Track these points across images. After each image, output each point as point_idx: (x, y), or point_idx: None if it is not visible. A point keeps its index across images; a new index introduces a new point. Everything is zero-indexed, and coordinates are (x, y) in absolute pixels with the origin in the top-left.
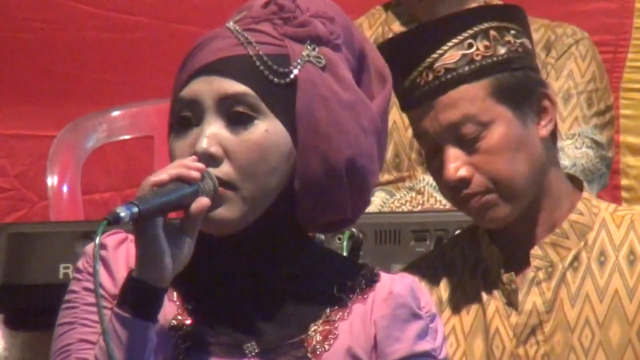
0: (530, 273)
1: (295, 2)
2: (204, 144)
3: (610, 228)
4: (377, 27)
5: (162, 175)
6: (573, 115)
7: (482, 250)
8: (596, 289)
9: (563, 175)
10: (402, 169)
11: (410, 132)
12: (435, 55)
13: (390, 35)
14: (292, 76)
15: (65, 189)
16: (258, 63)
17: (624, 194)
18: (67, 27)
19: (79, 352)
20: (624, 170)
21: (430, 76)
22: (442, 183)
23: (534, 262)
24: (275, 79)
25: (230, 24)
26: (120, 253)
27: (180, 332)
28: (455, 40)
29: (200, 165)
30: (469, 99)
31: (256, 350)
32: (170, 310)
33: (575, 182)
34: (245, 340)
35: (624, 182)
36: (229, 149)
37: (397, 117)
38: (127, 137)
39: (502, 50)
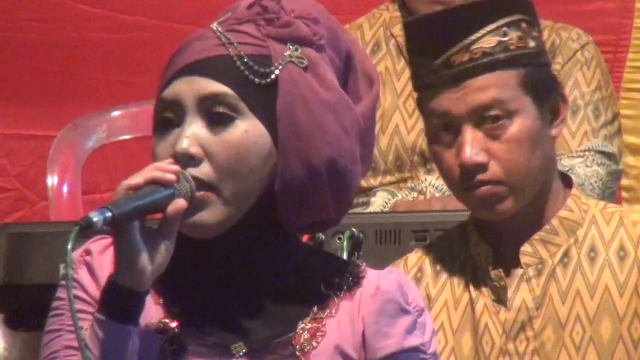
0: (519, 270)
1: (279, 3)
2: (183, 144)
3: (600, 224)
4: (377, 28)
5: (137, 178)
6: (582, 129)
7: (470, 247)
8: (586, 285)
9: (557, 174)
10: (403, 170)
11: (412, 135)
12: (472, 37)
13: (392, 38)
14: (273, 76)
15: (65, 189)
16: (239, 63)
17: (624, 194)
18: (67, 27)
19: (65, 359)
20: (624, 170)
21: (466, 57)
22: (448, 165)
23: (524, 259)
24: (256, 79)
25: (214, 25)
26: (105, 258)
27: (167, 335)
28: (492, 26)
29: (176, 167)
30: (501, 85)
31: (244, 350)
32: (157, 313)
33: (564, 179)
34: (232, 340)
35: (624, 182)
36: (209, 149)
37: (399, 120)
38: (127, 137)
39: (532, 44)
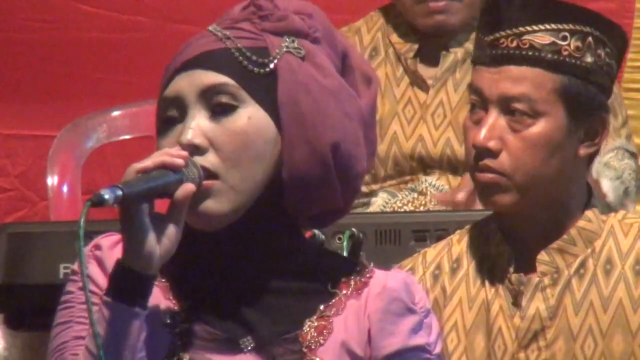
0: (535, 278)
1: (273, 2)
2: (188, 135)
3: (618, 236)
4: (375, 32)
5: (147, 162)
6: None
7: (491, 247)
8: (600, 297)
9: (584, 191)
10: (404, 175)
11: (411, 142)
12: (529, 29)
13: (391, 45)
14: (271, 66)
15: (65, 189)
16: (237, 54)
17: None
18: (67, 27)
19: (74, 349)
20: None
21: (514, 44)
22: (469, 143)
23: (540, 268)
24: (255, 69)
25: (211, 27)
26: (114, 253)
27: (176, 329)
28: (554, 26)
29: (184, 152)
30: (536, 84)
31: (252, 345)
32: (166, 307)
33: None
34: (241, 335)
35: None
36: (214, 139)
37: (397, 127)
38: (127, 137)
39: (589, 59)
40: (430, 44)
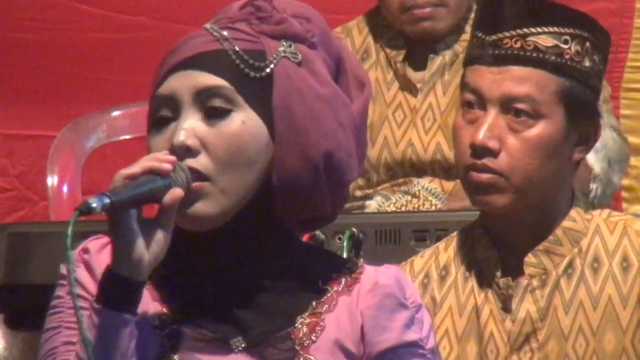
0: (523, 280)
1: (271, 4)
2: (180, 136)
3: (604, 234)
4: (367, 34)
5: (134, 168)
6: None
7: (478, 252)
8: (590, 296)
9: (570, 194)
10: (397, 178)
11: (401, 146)
12: (533, 30)
13: (382, 50)
14: (268, 70)
15: (65, 189)
16: (234, 57)
17: (624, 194)
18: (67, 27)
19: (64, 354)
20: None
21: (518, 44)
22: (463, 142)
23: (528, 270)
24: (252, 73)
25: (207, 25)
26: (103, 257)
27: (166, 331)
28: (556, 29)
29: (172, 157)
30: (540, 85)
31: (243, 345)
32: (155, 309)
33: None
34: (231, 335)
35: (624, 182)
36: (206, 141)
37: (387, 132)
38: (127, 137)
39: (587, 63)
40: (419, 48)
